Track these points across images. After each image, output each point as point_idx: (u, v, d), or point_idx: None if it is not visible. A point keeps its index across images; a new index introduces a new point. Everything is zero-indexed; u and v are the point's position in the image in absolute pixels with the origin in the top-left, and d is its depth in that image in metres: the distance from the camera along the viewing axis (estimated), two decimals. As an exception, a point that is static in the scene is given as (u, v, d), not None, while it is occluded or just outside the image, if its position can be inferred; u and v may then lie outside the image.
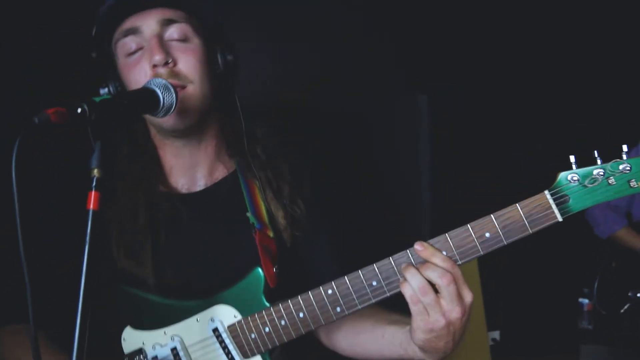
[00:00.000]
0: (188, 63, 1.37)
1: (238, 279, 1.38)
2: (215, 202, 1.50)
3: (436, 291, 1.17)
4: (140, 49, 1.37)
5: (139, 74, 1.35)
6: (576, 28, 3.99)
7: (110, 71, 1.42)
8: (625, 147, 1.08)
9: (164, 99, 1.22)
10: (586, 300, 3.88)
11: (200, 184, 1.52)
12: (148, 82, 1.26)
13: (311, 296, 1.30)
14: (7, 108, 2.02)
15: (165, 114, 1.26)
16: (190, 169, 1.50)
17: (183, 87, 1.35)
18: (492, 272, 3.80)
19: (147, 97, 1.22)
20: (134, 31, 1.37)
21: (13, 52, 2.04)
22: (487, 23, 3.89)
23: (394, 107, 3.48)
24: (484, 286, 3.83)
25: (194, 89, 1.38)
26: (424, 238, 1.20)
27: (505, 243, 1.17)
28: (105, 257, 1.38)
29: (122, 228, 1.41)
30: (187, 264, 1.45)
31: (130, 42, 1.37)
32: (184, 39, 1.38)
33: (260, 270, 1.37)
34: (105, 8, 1.37)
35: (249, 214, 1.46)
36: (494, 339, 3.76)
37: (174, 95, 1.24)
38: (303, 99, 2.97)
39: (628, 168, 1.04)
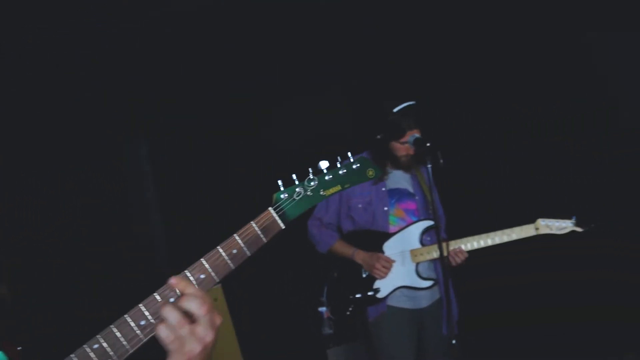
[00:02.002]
0: None
1: None
2: None
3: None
4: None
5: None
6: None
7: None
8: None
9: None
10: (324, 308, 4.52)
11: None
12: None
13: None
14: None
15: None
16: None
17: None
18: (242, 305, 4.19)
19: None
20: None
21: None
22: (205, 77, 4.37)
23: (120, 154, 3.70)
24: (235, 319, 4.19)
25: None
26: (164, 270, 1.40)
27: (249, 254, 1.45)
28: None
29: None
30: None
31: None
32: None
33: (1, 353, 1.29)
34: None
35: None
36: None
37: None
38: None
39: (316, 182, 1.50)
